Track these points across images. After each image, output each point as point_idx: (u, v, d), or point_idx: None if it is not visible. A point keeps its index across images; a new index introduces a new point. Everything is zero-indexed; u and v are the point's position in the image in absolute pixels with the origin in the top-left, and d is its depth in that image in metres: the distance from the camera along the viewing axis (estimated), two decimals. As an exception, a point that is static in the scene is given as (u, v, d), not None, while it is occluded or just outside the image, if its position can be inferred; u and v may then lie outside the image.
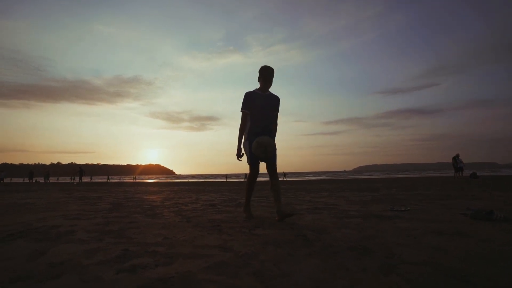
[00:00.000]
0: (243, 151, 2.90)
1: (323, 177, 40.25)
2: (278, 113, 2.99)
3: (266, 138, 2.68)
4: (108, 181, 33.52)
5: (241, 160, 2.89)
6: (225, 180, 32.85)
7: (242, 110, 2.86)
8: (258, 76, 2.90)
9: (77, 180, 23.38)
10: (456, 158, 17.13)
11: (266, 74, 2.83)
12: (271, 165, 2.84)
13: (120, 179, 51.06)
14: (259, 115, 2.84)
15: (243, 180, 31.73)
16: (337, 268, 1.32)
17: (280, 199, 2.75)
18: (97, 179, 49.78)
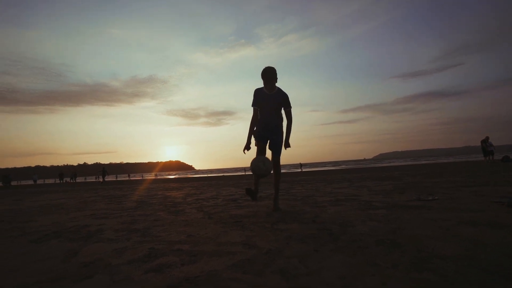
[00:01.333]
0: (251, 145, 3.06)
1: (343, 166, 39.59)
2: (291, 109, 3.05)
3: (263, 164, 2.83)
4: (129, 179, 34.76)
5: (245, 153, 3.03)
6: (244, 173, 33.11)
7: (252, 106, 3.05)
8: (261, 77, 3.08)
9: (101, 179, 24.50)
10: (485, 141, 16.23)
11: (264, 75, 2.94)
12: (274, 158, 3.04)
13: (142, 177, 52.80)
14: (263, 113, 3.05)
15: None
16: (365, 264, 1.27)
17: (275, 190, 3.10)
18: (121, 178, 51.76)
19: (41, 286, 1.28)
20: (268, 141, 3.06)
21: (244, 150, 2.98)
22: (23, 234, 2.51)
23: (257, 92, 3.04)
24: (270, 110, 3.01)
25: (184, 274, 1.28)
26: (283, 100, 3.01)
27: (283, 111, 3.07)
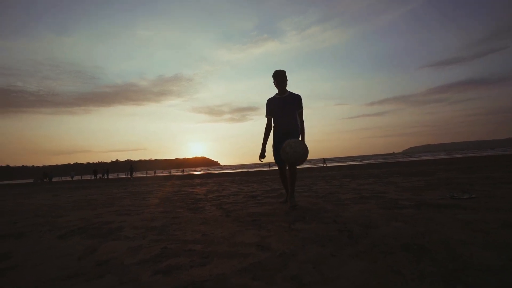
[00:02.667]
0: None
1: (370, 161, 38.17)
2: (302, 110, 3.10)
3: (292, 147, 2.78)
4: (155, 175, 36.22)
5: (262, 161, 3.15)
6: (268, 169, 33.08)
7: (266, 116, 3.13)
8: (273, 82, 3.12)
9: (129, 175, 25.82)
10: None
11: (276, 77, 3.03)
12: (290, 165, 3.00)
13: (170, 173, 54.71)
14: (278, 119, 3.05)
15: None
16: (388, 273, 1.15)
17: (291, 189, 2.98)
18: (150, 174, 54.09)
19: (54, 284, 1.30)
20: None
21: (260, 159, 3.09)
22: (52, 229, 2.63)
23: (270, 101, 3.11)
24: (285, 115, 3.02)
25: (192, 277, 1.23)
26: (296, 102, 3.04)
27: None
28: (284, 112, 3.03)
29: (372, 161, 39.98)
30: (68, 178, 43.07)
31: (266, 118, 3.14)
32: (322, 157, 35.26)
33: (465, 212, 2.22)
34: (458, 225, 1.84)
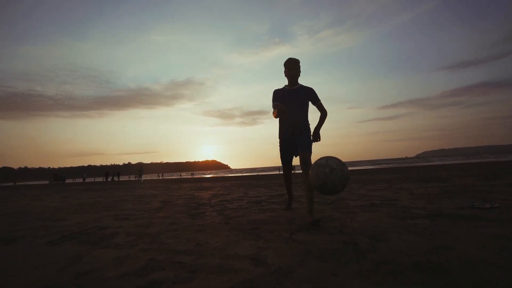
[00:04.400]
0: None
1: (382, 166, 37.28)
2: (321, 101, 2.75)
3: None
4: (161, 178, 36.63)
5: (283, 111, 2.43)
6: (278, 173, 32.81)
7: (273, 107, 2.67)
8: (284, 71, 2.79)
9: (138, 178, 26.17)
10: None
11: (287, 66, 2.70)
12: (304, 155, 2.56)
13: (180, 176, 55.11)
14: (288, 113, 2.61)
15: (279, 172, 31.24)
16: (397, 299, 0.97)
17: (309, 201, 2.35)
18: (160, 177, 54.64)
19: (24, 300, 1.18)
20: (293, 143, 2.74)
21: (276, 111, 2.53)
22: (45, 235, 2.55)
23: (278, 92, 2.74)
24: (295, 108, 2.65)
25: (172, 297, 1.09)
26: (311, 95, 2.70)
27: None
28: (296, 105, 2.65)
29: (384, 165, 39.05)
30: (81, 180, 44.09)
31: (273, 108, 2.67)
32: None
33: (487, 225, 1.99)
34: (480, 240, 1.63)
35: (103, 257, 1.70)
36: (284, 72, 2.77)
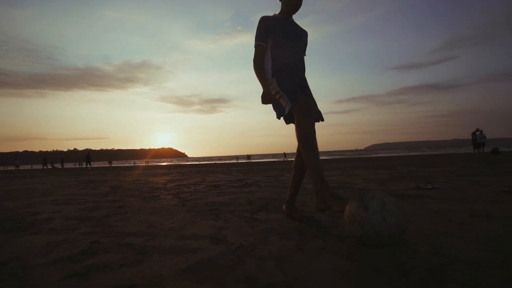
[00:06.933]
0: (274, 91, 1.67)
1: (336, 156, 39.52)
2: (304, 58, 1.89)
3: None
4: (110, 165, 34.07)
5: (272, 102, 1.68)
6: (236, 161, 32.86)
7: (257, 42, 1.76)
8: None
9: (85, 165, 23.99)
10: (475, 133, 16.20)
11: None
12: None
13: (134, 163, 52.03)
14: (286, 51, 1.75)
15: (247, 161, 31.59)
16: (363, 270, 0.94)
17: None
18: (114, 164, 50.95)
19: None
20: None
21: (264, 101, 1.67)
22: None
23: (267, 20, 1.76)
24: (299, 48, 1.82)
25: (115, 281, 0.92)
26: (306, 40, 1.90)
27: None
28: (300, 44, 1.82)
29: (338, 156, 41.49)
30: (13, 168, 38.81)
31: (254, 47, 1.76)
32: (283, 152, 37.14)
33: (431, 202, 2.14)
34: (429, 214, 1.73)
35: (31, 244, 1.43)
36: None
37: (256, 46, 1.77)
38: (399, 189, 2.95)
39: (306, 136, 1.46)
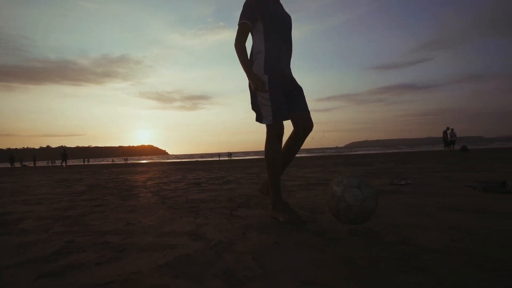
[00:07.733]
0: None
1: (316, 153, 40.30)
2: None
3: None
4: (85, 164, 32.80)
5: (266, 91, 1.55)
6: (217, 159, 32.66)
7: (242, 20, 1.58)
8: None
9: (60, 163, 22.93)
10: (446, 131, 17.10)
11: None
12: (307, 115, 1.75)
13: (112, 161, 50.37)
14: (277, 37, 1.61)
15: (228, 158, 31.60)
16: (338, 263, 0.98)
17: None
18: (84, 163, 48.98)
19: None
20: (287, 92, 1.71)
21: (260, 89, 1.55)
22: None
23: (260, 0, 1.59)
24: (288, 44, 1.68)
25: (92, 279, 0.92)
26: (291, 23, 1.73)
27: None
28: (289, 31, 1.68)
29: (318, 153, 42.32)
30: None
31: (238, 25, 1.59)
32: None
33: (405, 197, 2.26)
34: (401, 208, 1.83)
35: (0, 245, 1.37)
36: None
37: (240, 24, 1.57)
38: (376, 185, 3.07)
39: (271, 159, 1.64)
